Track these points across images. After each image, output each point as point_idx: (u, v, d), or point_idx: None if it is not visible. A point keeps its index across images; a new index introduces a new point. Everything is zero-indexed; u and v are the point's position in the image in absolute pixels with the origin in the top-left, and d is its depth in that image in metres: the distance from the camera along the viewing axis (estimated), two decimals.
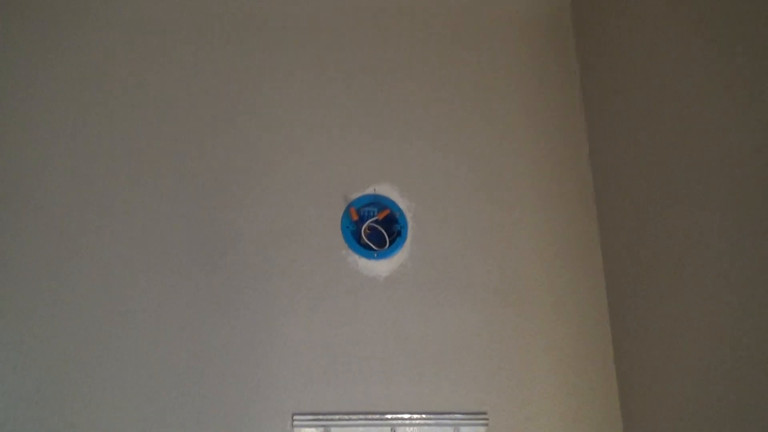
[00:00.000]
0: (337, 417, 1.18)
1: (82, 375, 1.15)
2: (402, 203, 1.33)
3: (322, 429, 1.17)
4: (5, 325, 1.16)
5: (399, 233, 1.31)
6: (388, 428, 1.19)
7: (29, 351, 1.15)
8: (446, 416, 1.22)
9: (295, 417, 1.16)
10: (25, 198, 1.24)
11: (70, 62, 1.33)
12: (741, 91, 1.05)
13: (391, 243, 1.29)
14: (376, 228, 1.30)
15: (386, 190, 1.33)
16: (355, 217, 1.29)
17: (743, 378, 1.01)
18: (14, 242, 1.21)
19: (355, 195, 1.32)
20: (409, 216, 1.32)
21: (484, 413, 1.23)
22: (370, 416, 1.19)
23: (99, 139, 1.29)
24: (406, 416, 1.20)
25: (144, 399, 1.15)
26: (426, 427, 1.20)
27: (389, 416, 1.20)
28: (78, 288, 1.19)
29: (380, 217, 1.30)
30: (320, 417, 1.17)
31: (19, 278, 1.19)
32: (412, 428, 1.20)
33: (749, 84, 1.03)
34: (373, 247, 1.28)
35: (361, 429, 1.18)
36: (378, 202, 1.32)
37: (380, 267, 1.29)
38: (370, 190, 1.33)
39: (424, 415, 1.21)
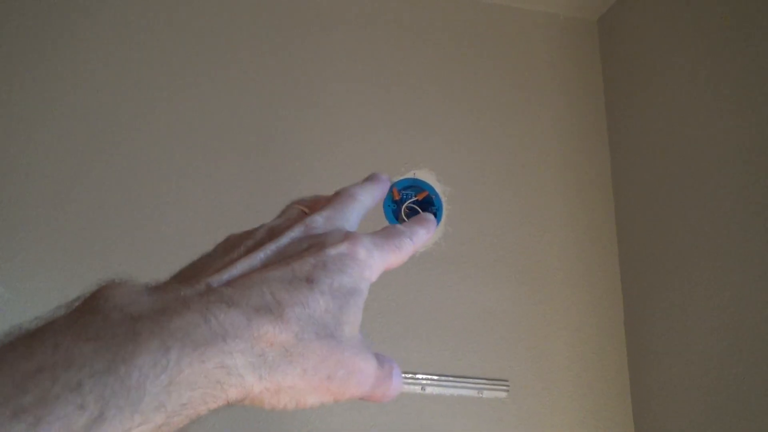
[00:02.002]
0: None
1: None
2: (438, 188, 1.47)
3: None
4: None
5: (435, 215, 1.44)
6: (419, 387, 1.32)
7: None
8: (471, 380, 1.34)
9: None
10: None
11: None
12: (762, 92, 1.18)
13: None
14: (414, 208, 1.44)
15: (425, 175, 1.47)
16: (397, 197, 1.43)
17: (750, 356, 1.13)
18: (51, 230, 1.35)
19: (396, 178, 1.46)
20: (444, 199, 1.46)
21: (506, 380, 1.35)
22: (403, 375, 1.31)
23: (148, 127, 1.43)
24: (435, 377, 1.33)
25: None
26: (452, 389, 1.33)
27: (420, 376, 1.32)
28: (127, 253, 1.33)
29: (419, 198, 1.43)
30: None
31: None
32: (440, 388, 1.32)
33: (765, 95, 1.16)
34: None
35: None
36: (417, 185, 1.46)
37: None
38: (410, 174, 1.47)
39: (451, 378, 1.33)
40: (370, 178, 0.40)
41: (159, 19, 1.48)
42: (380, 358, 0.32)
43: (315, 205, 0.35)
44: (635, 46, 1.54)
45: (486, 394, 1.34)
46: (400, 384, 0.33)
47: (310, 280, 0.27)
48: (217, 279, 0.26)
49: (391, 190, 1.45)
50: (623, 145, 1.55)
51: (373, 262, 0.32)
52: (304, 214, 0.33)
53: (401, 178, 1.46)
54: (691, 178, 1.31)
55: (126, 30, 1.45)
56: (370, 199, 0.38)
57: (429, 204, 1.46)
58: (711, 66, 1.28)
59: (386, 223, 1.41)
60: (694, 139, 1.31)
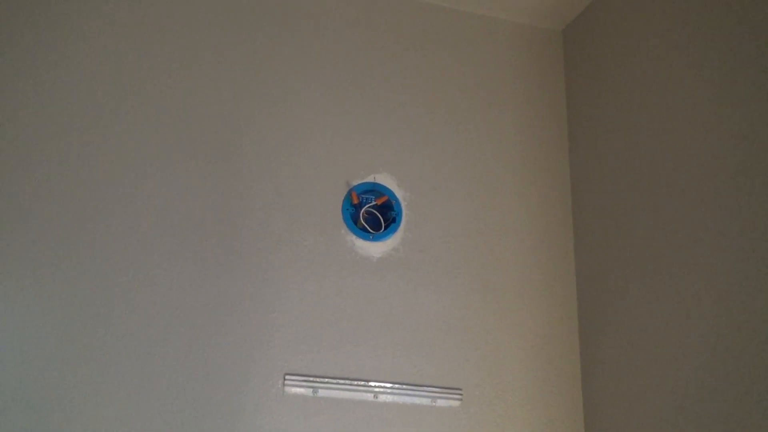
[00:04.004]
0: (325, 380, 1.28)
1: (83, 332, 1.22)
2: (398, 193, 1.45)
3: (310, 390, 1.26)
4: (19, 291, 1.23)
5: (394, 219, 1.43)
6: (371, 395, 1.29)
7: (35, 320, 1.22)
8: (425, 388, 1.32)
9: (287, 377, 1.26)
10: (31, 181, 1.31)
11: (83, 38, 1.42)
12: (726, 104, 1.20)
13: (386, 228, 1.41)
14: (373, 213, 1.42)
15: (385, 179, 1.45)
16: (356, 201, 1.40)
17: (701, 367, 1.14)
18: (19, 225, 1.28)
19: (356, 181, 1.43)
20: (404, 205, 1.45)
21: (459, 389, 1.34)
22: (355, 382, 1.29)
23: (111, 124, 1.37)
24: (388, 385, 1.31)
25: (144, 354, 1.23)
26: (406, 397, 1.31)
27: (372, 384, 1.30)
28: (88, 252, 1.27)
29: (378, 202, 1.42)
30: (309, 379, 1.27)
31: (31, 249, 1.26)
32: (393, 396, 1.30)
33: (720, 107, 1.18)
34: (370, 229, 1.40)
35: (346, 393, 1.28)
36: (377, 189, 1.44)
37: (374, 248, 1.40)
38: (370, 178, 1.45)
39: (404, 386, 1.31)
40: None
41: (126, 20, 1.42)
42: None
43: None
44: (599, 57, 1.55)
45: (439, 402, 1.32)
46: None
47: None
48: None
49: (350, 194, 1.43)
50: (583, 154, 1.56)
51: None
52: None
53: (362, 181, 1.43)
54: (650, 191, 1.32)
55: (90, 33, 1.39)
56: None
57: (388, 209, 1.44)
58: (674, 78, 1.30)
59: (345, 225, 1.39)
60: (654, 152, 1.33)
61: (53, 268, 1.23)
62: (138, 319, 1.24)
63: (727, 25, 1.18)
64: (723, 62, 1.17)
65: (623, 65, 1.45)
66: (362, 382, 1.29)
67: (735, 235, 1.08)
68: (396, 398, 1.30)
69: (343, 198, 1.42)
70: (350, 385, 1.29)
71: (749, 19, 1.12)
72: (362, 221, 1.40)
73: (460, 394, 1.34)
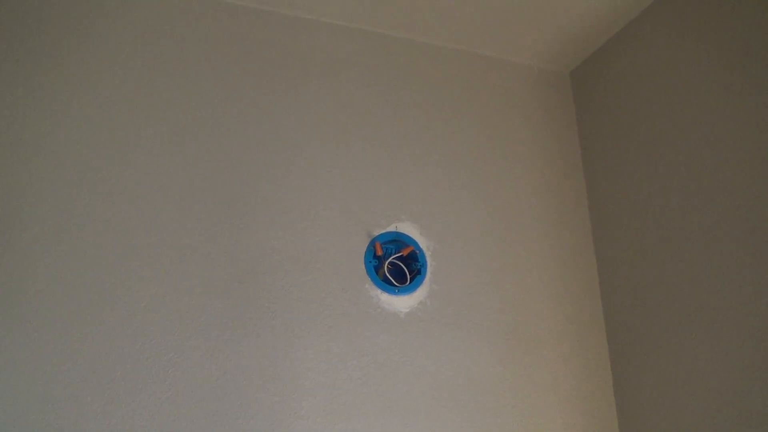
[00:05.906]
0: None
1: (93, 392, 1.07)
2: (422, 242, 1.37)
3: None
4: (12, 341, 1.07)
5: (419, 271, 1.34)
6: None
7: (47, 372, 1.06)
8: None
9: None
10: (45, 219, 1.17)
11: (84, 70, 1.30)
12: (727, 156, 1.17)
13: (411, 280, 1.32)
14: (397, 264, 1.33)
15: (407, 228, 1.37)
16: (380, 253, 1.31)
17: (742, 427, 1.09)
18: (25, 253, 1.13)
19: (377, 231, 1.35)
20: (428, 254, 1.36)
21: None
22: None
23: (120, 178, 1.25)
24: None
25: (154, 422, 1.08)
26: None
27: None
28: (96, 308, 1.13)
29: (404, 253, 1.33)
30: None
31: (35, 295, 1.11)
32: None
33: (736, 143, 1.16)
34: (395, 282, 1.31)
35: None
36: (399, 239, 1.36)
37: (401, 303, 1.31)
38: (392, 228, 1.36)
39: None
40: None
41: (141, 73, 1.31)
42: None
43: None
44: (607, 98, 1.54)
45: None
46: None
47: None
48: None
49: (373, 245, 1.34)
50: (602, 196, 1.53)
51: None
52: None
53: (383, 231, 1.35)
54: (674, 232, 1.29)
55: (101, 83, 1.28)
56: None
57: (413, 260, 1.36)
58: (681, 117, 1.29)
59: (369, 279, 1.30)
60: (671, 192, 1.30)
61: (61, 341, 1.08)
62: (151, 397, 1.09)
63: (733, 65, 1.19)
64: (732, 102, 1.18)
65: (632, 108, 1.45)
66: None
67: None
68: None
69: (365, 250, 1.32)
70: None
71: (756, 57, 1.13)
72: (387, 273, 1.31)
73: None
